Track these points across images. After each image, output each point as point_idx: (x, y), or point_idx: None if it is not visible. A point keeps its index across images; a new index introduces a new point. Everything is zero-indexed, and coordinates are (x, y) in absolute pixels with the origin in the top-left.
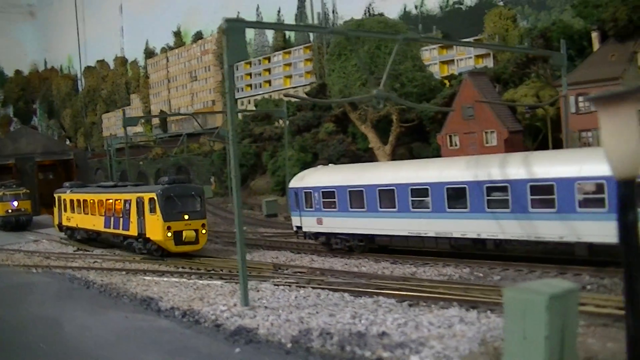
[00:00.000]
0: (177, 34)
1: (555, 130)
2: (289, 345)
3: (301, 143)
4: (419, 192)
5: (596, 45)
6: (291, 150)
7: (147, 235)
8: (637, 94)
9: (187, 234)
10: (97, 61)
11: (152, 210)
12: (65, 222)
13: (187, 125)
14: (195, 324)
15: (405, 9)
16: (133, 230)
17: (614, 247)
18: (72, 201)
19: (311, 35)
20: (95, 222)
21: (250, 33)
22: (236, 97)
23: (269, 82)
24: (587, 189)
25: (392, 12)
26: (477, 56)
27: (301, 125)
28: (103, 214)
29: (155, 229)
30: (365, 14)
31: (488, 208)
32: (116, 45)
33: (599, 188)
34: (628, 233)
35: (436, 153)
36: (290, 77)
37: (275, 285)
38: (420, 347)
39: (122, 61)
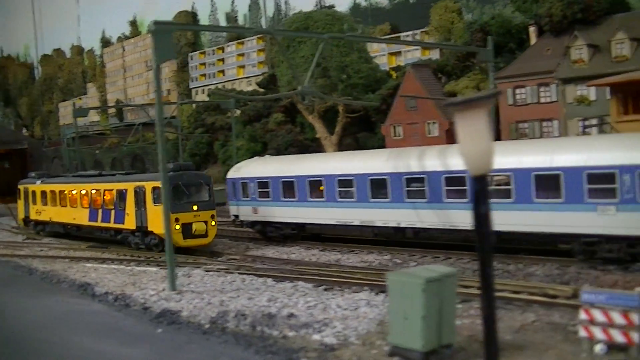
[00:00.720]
0: (133, 24)
1: (494, 121)
2: (207, 326)
3: (251, 133)
4: (345, 183)
5: (533, 39)
6: (242, 140)
7: (149, 229)
8: (486, 100)
9: (197, 227)
10: (54, 50)
11: (157, 200)
12: (34, 216)
13: (143, 114)
14: (125, 307)
15: (355, 1)
16: (129, 224)
17: (520, 235)
18: (43, 193)
19: (264, 24)
20: (76, 215)
21: (204, 23)
22: (190, 86)
23: (223, 72)
24: (497, 181)
25: (343, 4)
26: (425, 48)
27: (252, 115)
28: (88, 206)
29: (161, 221)
30: (316, 6)
31: (407, 198)
32: (73, 33)
33: (506, 180)
34: (481, 222)
35: (381, 143)
36: (243, 67)
37: (206, 271)
38: (323, 327)
39: (78, 50)
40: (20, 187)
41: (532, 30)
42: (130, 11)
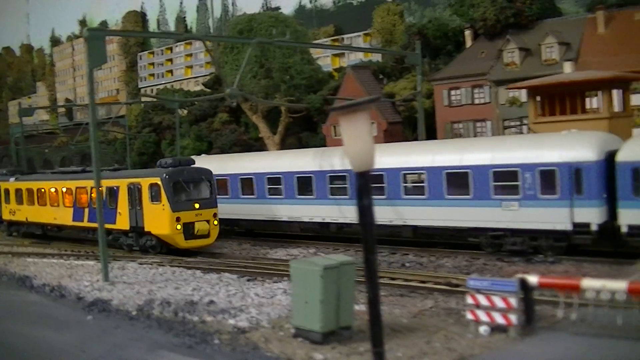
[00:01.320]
0: (83, 23)
1: (431, 122)
2: (134, 312)
3: (197, 132)
4: (274, 181)
5: (469, 42)
6: (188, 139)
7: (146, 229)
8: (366, 105)
9: (200, 226)
10: (3, 48)
11: (155, 198)
12: (6, 217)
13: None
14: (61, 297)
15: (300, 2)
16: (122, 223)
17: (434, 230)
18: (18, 191)
19: (212, 26)
20: (58, 215)
21: (153, 23)
22: (139, 86)
23: (171, 72)
24: (412, 179)
25: (288, 6)
26: (356, 51)
27: (198, 115)
28: (71, 204)
29: (160, 220)
30: (262, 7)
31: (331, 195)
32: (22, 32)
33: (421, 177)
34: (364, 215)
35: (323, 142)
36: (191, 67)
37: (140, 264)
38: (239, 312)
39: (27, 48)
40: None
41: (467, 33)
42: (79, 10)
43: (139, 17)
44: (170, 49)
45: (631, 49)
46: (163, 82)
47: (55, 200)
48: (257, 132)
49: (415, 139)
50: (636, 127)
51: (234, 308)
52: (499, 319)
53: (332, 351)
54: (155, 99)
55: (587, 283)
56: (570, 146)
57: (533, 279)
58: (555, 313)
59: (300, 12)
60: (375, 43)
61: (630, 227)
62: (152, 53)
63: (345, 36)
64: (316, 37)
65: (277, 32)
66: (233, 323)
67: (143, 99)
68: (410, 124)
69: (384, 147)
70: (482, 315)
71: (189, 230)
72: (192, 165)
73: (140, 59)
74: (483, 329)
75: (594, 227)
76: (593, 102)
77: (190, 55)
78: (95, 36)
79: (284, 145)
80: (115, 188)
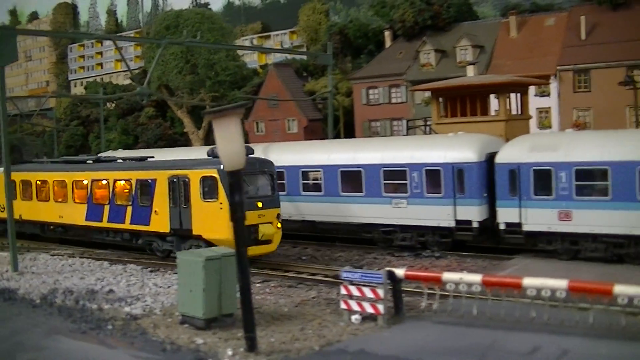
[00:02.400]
0: (13, 13)
1: (350, 119)
2: (38, 301)
3: (123, 126)
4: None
5: (388, 43)
6: (114, 133)
7: (194, 232)
8: (236, 110)
9: (265, 230)
10: None
11: (210, 194)
12: None
13: (21, 104)
14: None
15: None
16: (158, 225)
17: (331, 225)
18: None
19: (141, 19)
20: (65, 213)
21: (84, 16)
22: (69, 78)
23: (101, 64)
24: (310, 176)
25: (217, 3)
26: (294, 46)
27: (125, 108)
28: (84, 200)
29: (216, 222)
30: (192, 3)
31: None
32: None
33: (317, 175)
34: (235, 211)
35: (246, 139)
36: (120, 60)
37: (51, 256)
38: (135, 301)
39: None
40: None
41: (387, 34)
42: (9, 1)
43: (70, 9)
44: (101, 42)
45: (541, 53)
46: (93, 74)
47: (62, 195)
48: (182, 127)
49: (337, 136)
50: (544, 128)
51: (131, 297)
52: (369, 308)
53: (212, 336)
54: (69, 97)
55: (447, 276)
56: (453, 147)
57: (400, 272)
58: (426, 304)
59: (228, 9)
60: (300, 41)
61: (507, 224)
62: (83, 46)
63: (272, 33)
64: (244, 34)
65: (204, 28)
66: (128, 310)
67: (76, 91)
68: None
69: (284, 146)
70: (354, 305)
71: (251, 234)
72: (252, 156)
73: (71, 51)
74: (354, 318)
75: (475, 225)
76: (512, 104)
77: (120, 48)
78: (5, 35)
79: (208, 140)
80: (149, 182)
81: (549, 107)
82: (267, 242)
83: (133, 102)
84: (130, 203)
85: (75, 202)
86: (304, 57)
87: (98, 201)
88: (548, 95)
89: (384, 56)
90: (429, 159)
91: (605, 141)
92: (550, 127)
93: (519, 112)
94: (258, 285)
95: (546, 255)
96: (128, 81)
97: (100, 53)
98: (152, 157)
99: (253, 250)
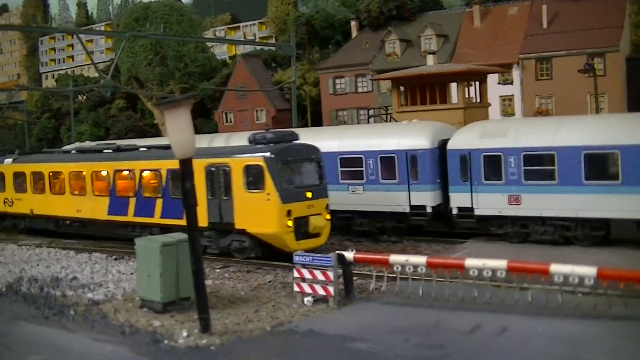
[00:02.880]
0: None
1: (318, 109)
2: (4, 289)
3: (94, 118)
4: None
5: (354, 33)
6: (85, 125)
7: (237, 226)
8: (186, 101)
9: (315, 222)
10: None
11: (255, 184)
12: (1, 207)
13: None
14: None
15: None
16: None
17: None
18: (19, 176)
19: (111, 12)
20: (83, 207)
21: (55, 9)
22: (41, 71)
23: (72, 57)
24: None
25: None
26: (261, 38)
27: (96, 101)
28: (107, 193)
29: (263, 215)
30: None
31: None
32: None
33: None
34: (187, 197)
35: (216, 129)
36: (92, 53)
37: (19, 246)
38: (98, 287)
39: None
40: None
41: (353, 24)
42: None
43: (40, 2)
44: (72, 34)
45: (504, 41)
46: (64, 67)
47: (80, 187)
48: (153, 119)
49: (305, 126)
50: (507, 116)
51: (94, 283)
52: (320, 290)
53: (170, 319)
54: (36, 90)
55: (394, 258)
56: (407, 135)
57: (349, 255)
58: (376, 286)
59: (198, 0)
60: (269, 32)
61: (460, 209)
62: (53, 38)
63: (241, 24)
64: (213, 25)
65: (172, 20)
66: (90, 296)
67: (47, 83)
68: (299, 110)
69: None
70: (306, 288)
71: (300, 227)
72: (298, 142)
73: (42, 44)
74: (307, 300)
75: (428, 210)
76: (471, 92)
77: (91, 41)
78: None
79: None
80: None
81: (512, 95)
82: (317, 235)
83: (104, 95)
84: (160, 195)
85: (95, 195)
86: (272, 48)
87: (122, 193)
88: (511, 83)
89: (350, 46)
90: (384, 146)
91: (552, 127)
92: (513, 114)
93: (478, 100)
94: (218, 270)
95: (498, 238)
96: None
97: (72, 45)
98: None
99: (303, 245)
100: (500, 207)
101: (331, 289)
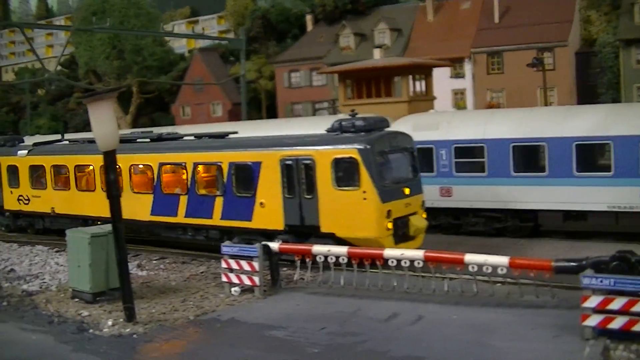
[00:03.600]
0: None
1: (274, 102)
2: None
3: (53, 112)
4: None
5: (310, 27)
6: (44, 119)
7: (323, 229)
8: (108, 95)
9: (417, 223)
10: None
11: (347, 181)
12: (11, 205)
13: None
14: None
15: None
16: (268, 221)
17: None
18: (37, 170)
19: (71, 5)
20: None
21: (15, 1)
22: (0, 64)
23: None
24: None
25: None
26: (221, 31)
27: (55, 94)
28: (150, 189)
29: (358, 217)
30: None
31: None
32: None
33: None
34: (111, 187)
35: (173, 122)
36: (52, 46)
37: None
38: (34, 279)
39: None
40: None
41: (309, 18)
42: None
43: None
44: (31, 28)
45: (456, 35)
46: (25, 60)
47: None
48: None
49: (260, 118)
50: (459, 109)
51: (31, 275)
52: (247, 280)
53: (98, 309)
54: None
55: (317, 248)
56: None
57: (274, 245)
58: (302, 276)
59: None
60: (228, 25)
61: None
62: (13, 31)
63: (200, 18)
64: (173, 19)
65: (130, 14)
66: (25, 288)
67: (7, 77)
68: (256, 104)
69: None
70: (234, 278)
71: (399, 229)
72: (389, 129)
73: (1, 37)
74: (234, 290)
75: None
76: (417, 85)
77: (51, 34)
78: None
79: (136, 125)
80: (250, 165)
81: (464, 89)
82: (415, 237)
83: (63, 88)
84: (220, 193)
85: (135, 193)
86: (227, 41)
87: (170, 191)
88: (463, 77)
89: (305, 40)
90: None
91: (482, 120)
92: (465, 107)
93: (424, 93)
94: (155, 262)
95: (431, 230)
96: (59, 67)
97: (32, 38)
98: (236, 132)
99: (404, 246)
100: (432, 199)
101: (257, 279)
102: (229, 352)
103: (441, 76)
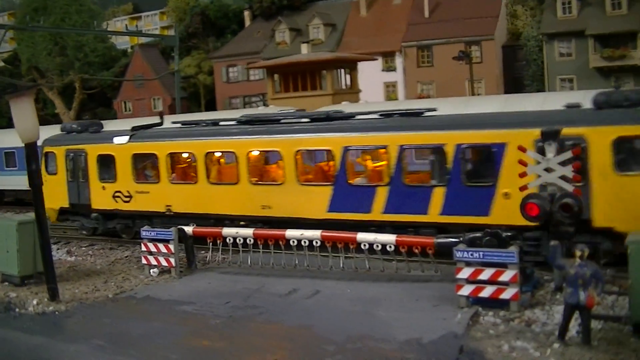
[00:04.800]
0: None
1: (213, 97)
2: None
3: None
4: None
5: (248, 22)
6: None
7: (598, 223)
8: (28, 91)
9: None
10: None
11: (636, 164)
12: (102, 204)
13: None
14: None
15: None
16: (513, 216)
17: None
18: (146, 159)
19: (15, 1)
20: (276, 201)
21: None
22: None
23: None
24: None
25: None
26: (163, 27)
27: None
28: (331, 180)
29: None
30: None
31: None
32: None
33: None
34: (33, 177)
35: (115, 117)
36: None
37: None
38: None
39: None
40: (57, 150)
41: (246, 14)
42: None
43: None
44: None
45: (388, 30)
46: None
47: (266, 172)
48: (54, 108)
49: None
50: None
51: None
52: (164, 262)
53: (26, 291)
54: None
55: (226, 231)
56: None
57: (189, 229)
58: (215, 257)
59: None
60: (170, 21)
61: None
62: None
63: (143, 14)
64: (116, 15)
65: (72, 10)
66: None
67: None
68: (196, 99)
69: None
70: (152, 260)
71: None
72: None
73: None
74: (152, 271)
75: None
76: (342, 79)
77: None
78: None
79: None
80: (490, 147)
81: (396, 82)
82: None
83: (6, 84)
84: (441, 182)
85: (302, 185)
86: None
87: (360, 181)
88: (394, 70)
89: (242, 35)
90: None
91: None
92: (397, 99)
93: (349, 86)
94: (84, 248)
95: None
96: (2, 64)
97: None
98: (434, 109)
99: None
100: None
101: (173, 261)
102: (140, 325)
103: (373, 70)
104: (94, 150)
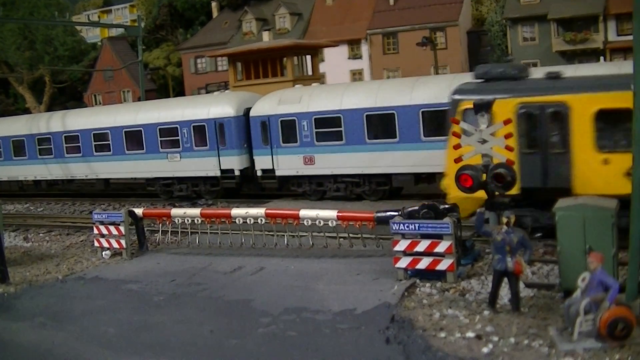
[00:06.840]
0: None
1: (182, 88)
2: None
3: None
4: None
5: (215, 13)
6: None
7: None
8: None
9: None
10: None
11: None
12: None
13: None
14: None
15: None
16: None
17: (122, 180)
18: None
19: None
20: None
21: None
22: None
23: None
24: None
25: None
26: (133, 20)
27: None
28: None
29: None
30: None
31: (40, 155)
32: None
33: (107, 136)
34: None
35: None
36: None
37: None
38: None
39: None
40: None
41: (214, 5)
42: None
43: None
44: None
45: (353, 18)
46: None
47: None
48: (25, 103)
49: None
50: None
51: None
52: (115, 244)
53: None
54: None
55: (175, 212)
56: (215, 105)
57: (139, 211)
58: (165, 239)
59: None
60: (139, 14)
61: (263, 171)
62: None
63: (113, 7)
64: (86, 8)
65: (40, 4)
66: None
67: None
68: (164, 91)
69: (77, 112)
70: (104, 242)
71: None
72: None
73: None
74: (104, 253)
75: (236, 173)
76: (303, 66)
77: None
78: None
79: None
80: None
81: (362, 69)
82: None
83: None
84: None
85: None
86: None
87: None
88: (360, 57)
89: (210, 26)
90: (195, 116)
91: (339, 93)
92: None
93: (310, 73)
94: (41, 234)
95: (301, 197)
96: None
97: None
98: None
99: None
100: (297, 168)
101: (123, 242)
102: (85, 303)
103: (339, 57)
104: (592, 102)
